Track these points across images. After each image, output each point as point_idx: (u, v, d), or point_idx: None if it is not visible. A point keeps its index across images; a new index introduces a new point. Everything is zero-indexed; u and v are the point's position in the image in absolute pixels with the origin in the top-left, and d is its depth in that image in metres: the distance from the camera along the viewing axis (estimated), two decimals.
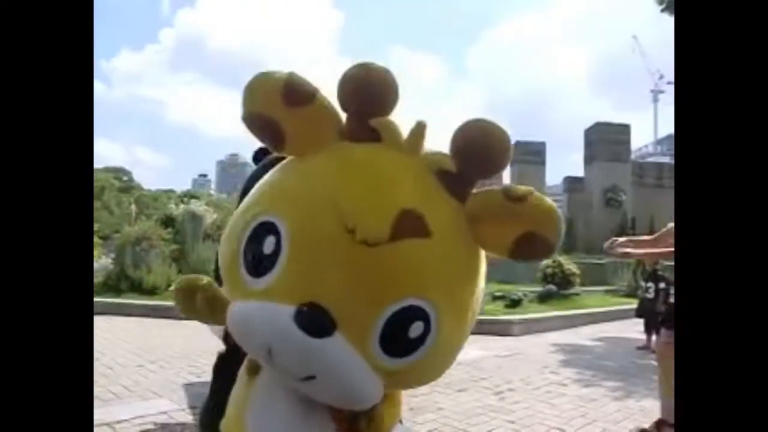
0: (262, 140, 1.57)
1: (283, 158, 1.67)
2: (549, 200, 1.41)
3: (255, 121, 1.52)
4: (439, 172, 1.50)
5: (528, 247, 1.42)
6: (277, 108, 1.46)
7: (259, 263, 1.43)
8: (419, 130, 1.53)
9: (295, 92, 1.46)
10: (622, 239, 4.16)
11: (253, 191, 1.62)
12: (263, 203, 1.52)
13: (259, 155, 3.45)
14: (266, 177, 1.62)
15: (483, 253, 1.58)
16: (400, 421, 1.93)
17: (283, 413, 1.68)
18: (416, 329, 1.41)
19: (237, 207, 1.70)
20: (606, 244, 4.11)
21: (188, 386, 4.80)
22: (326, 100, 1.49)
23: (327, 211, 1.42)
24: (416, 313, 1.41)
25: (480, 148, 1.44)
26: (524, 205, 1.41)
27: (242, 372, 1.76)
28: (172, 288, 1.68)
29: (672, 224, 3.73)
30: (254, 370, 1.73)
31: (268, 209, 1.47)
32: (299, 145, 1.55)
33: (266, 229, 1.44)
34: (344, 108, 1.51)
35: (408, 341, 1.43)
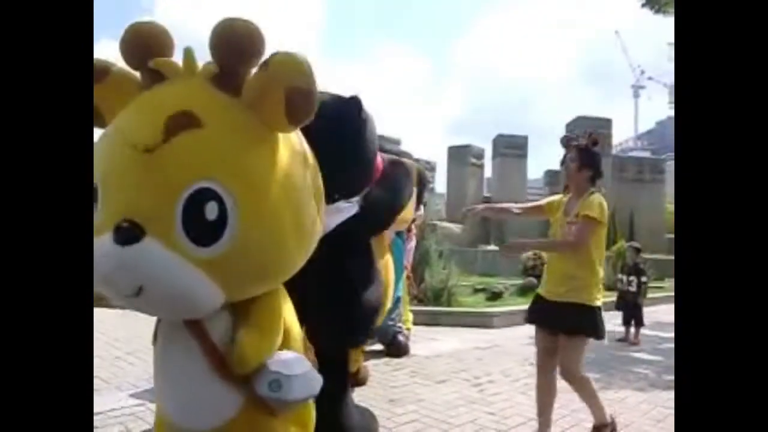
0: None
1: None
2: (292, 51, 1.57)
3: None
4: (211, 77, 1.69)
5: (292, 104, 1.58)
6: (98, 91, 1.69)
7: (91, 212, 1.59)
8: (188, 54, 1.74)
9: (95, 71, 1.69)
10: (480, 206, 4.20)
11: None
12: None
13: None
14: None
15: (276, 142, 1.71)
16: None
17: (172, 364, 1.89)
18: (212, 210, 1.55)
19: None
20: (463, 210, 4.16)
21: None
22: (121, 69, 1.75)
23: (116, 141, 1.64)
24: (206, 194, 1.55)
25: (226, 39, 1.61)
26: (270, 67, 1.59)
27: (153, 346, 2.00)
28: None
29: (550, 198, 3.83)
30: (154, 337, 1.99)
31: (93, 172, 1.60)
32: (113, 114, 1.74)
33: (93, 187, 1.59)
34: (132, 67, 1.76)
35: (209, 224, 1.56)
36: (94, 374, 4.84)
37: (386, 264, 4.52)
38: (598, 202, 3.44)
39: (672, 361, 6.39)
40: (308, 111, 1.63)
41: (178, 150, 1.57)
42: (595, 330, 3.40)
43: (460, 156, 27.90)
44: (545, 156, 18.47)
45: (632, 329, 7.69)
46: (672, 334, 8.43)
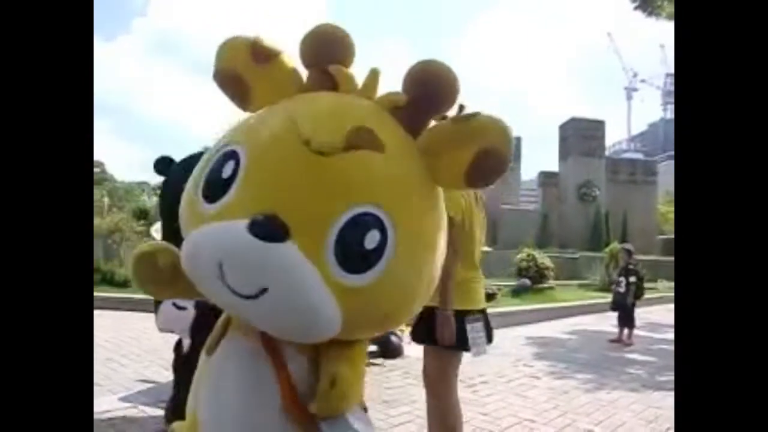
0: (230, 97, 1.66)
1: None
2: (496, 115, 1.46)
3: (225, 77, 1.61)
4: (393, 108, 1.56)
5: (483, 165, 1.45)
6: (245, 65, 1.57)
7: (216, 188, 1.43)
8: (373, 76, 1.62)
9: (261, 49, 1.56)
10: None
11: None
12: (228, 137, 1.55)
13: (160, 164, 3.35)
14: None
15: (438, 193, 1.59)
16: (365, 409, 1.86)
17: (233, 385, 1.64)
18: (372, 239, 1.39)
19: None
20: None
21: (158, 380, 4.74)
22: (290, 58, 1.60)
23: (285, 129, 1.46)
24: (371, 222, 1.40)
25: (428, 79, 1.51)
26: (472, 123, 1.45)
27: (202, 354, 1.74)
28: (132, 254, 1.62)
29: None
30: (211, 348, 1.71)
31: (230, 141, 1.49)
32: (264, 101, 1.60)
33: (227, 156, 1.45)
34: (305, 63, 1.61)
35: (364, 253, 1.40)
36: None
37: None
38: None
39: (664, 362, 6.42)
40: (498, 173, 1.52)
41: (354, 165, 1.43)
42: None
43: None
44: (539, 158, 18.51)
45: (625, 330, 7.71)
46: (664, 335, 8.48)
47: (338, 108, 1.55)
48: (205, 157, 1.57)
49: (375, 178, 1.45)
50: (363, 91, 1.61)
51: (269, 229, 1.34)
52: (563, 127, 27.78)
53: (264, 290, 1.36)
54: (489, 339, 2.88)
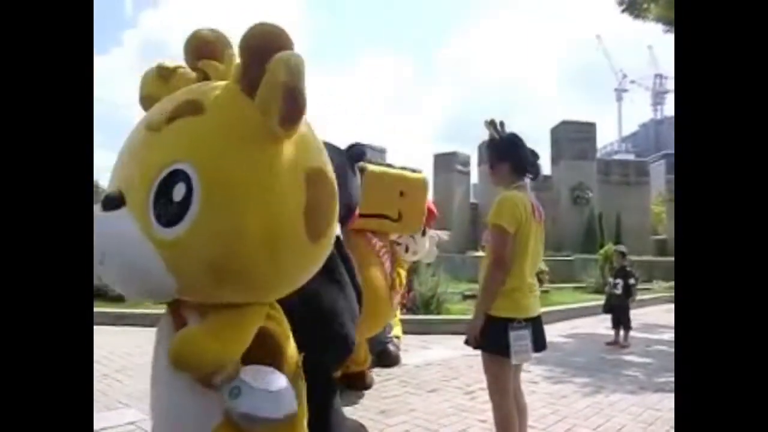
0: None
1: None
2: (290, 52, 1.62)
3: (145, 102, 1.93)
4: (238, 78, 1.75)
5: (284, 104, 1.62)
6: (157, 86, 1.90)
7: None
8: (228, 60, 1.90)
9: (164, 70, 1.90)
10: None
11: None
12: None
13: None
14: None
15: (271, 148, 1.71)
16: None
17: (160, 354, 1.88)
18: (179, 191, 1.60)
19: None
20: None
21: None
22: (185, 70, 1.93)
23: (139, 123, 1.84)
24: (178, 176, 1.61)
25: (246, 41, 1.67)
26: (271, 66, 1.62)
27: None
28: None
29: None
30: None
31: (93, 173, 1.73)
32: None
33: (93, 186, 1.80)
34: (190, 65, 1.94)
35: (173, 204, 1.60)
36: None
37: (375, 273, 4.52)
38: (497, 202, 2.91)
39: (661, 363, 6.43)
40: (293, 110, 1.64)
41: (172, 132, 1.69)
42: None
43: (446, 163, 28.03)
44: None
45: (621, 332, 7.71)
46: (660, 336, 8.49)
47: (182, 92, 1.82)
48: None
49: (188, 138, 1.68)
50: (222, 75, 1.87)
51: (109, 200, 1.64)
52: (554, 131, 27.86)
53: (104, 255, 1.62)
54: (539, 347, 2.97)
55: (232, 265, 1.69)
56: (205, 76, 1.91)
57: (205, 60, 1.91)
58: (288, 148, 1.73)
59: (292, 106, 1.62)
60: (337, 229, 2.08)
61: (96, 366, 5.81)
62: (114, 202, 1.64)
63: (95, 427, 3.90)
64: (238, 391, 1.71)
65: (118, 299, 10.29)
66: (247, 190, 1.65)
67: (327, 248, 1.97)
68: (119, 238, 1.61)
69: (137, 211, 1.62)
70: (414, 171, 4.83)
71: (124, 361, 5.99)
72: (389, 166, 4.85)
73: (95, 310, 9.39)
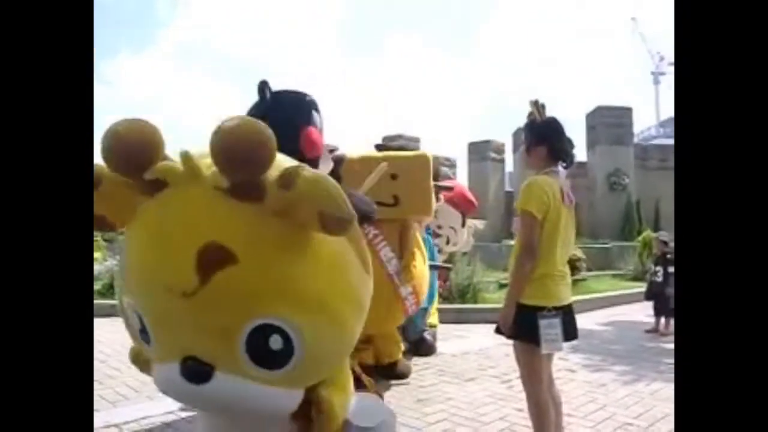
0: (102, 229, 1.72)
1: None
2: (319, 176, 1.43)
3: (97, 222, 1.58)
4: (228, 186, 1.46)
5: (329, 225, 1.45)
6: (97, 201, 1.51)
7: (142, 334, 1.63)
8: (186, 160, 1.48)
9: (97, 180, 1.51)
10: None
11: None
12: (122, 286, 1.73)
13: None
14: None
15: (313, 241, 1.56)
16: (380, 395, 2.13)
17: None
18: (276, 342, 1.50)
19: None
20: None
21: None
22: (114, 177, 1.50)
23: (150, 280, 1.53)
24: (266, 330, 1.50)
25: (230, 150, 1.37)
26: (299, 187, 1.41)
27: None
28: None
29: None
30: None
31: (126, 293, 1.65)
32: (118, 219, 1.63)
33: (132, 309, 1.62)
34: (127, 173, 1.50)
35: (276, 353, 1.52)
36: (124, 383, 4.89)
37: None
38: (524, 187, 2.87)
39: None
40: (342, 232, 1.52)
41: (219, 294, 1.45)
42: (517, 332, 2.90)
43: (480, 151, 27.80)
44: None
45: (662, 320, 7.58)
46: None
47: (175, 228, 1.49)
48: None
49: (246, 295, 1.48)
50: (189, 179, 1.49)
51: (196, 372, 1.51)
52: (590, 116, 27.41)
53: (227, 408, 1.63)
54: (570, 336, 2.91)
55: (348, 349, 1.80)
56: (149, 182, 1.54)
57: (161, 165, 1.49)
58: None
59: (341, 230, 1.49)
60: None
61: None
62: (203, 371, 1.52)
63: (137, 416, 3.99)
64: None
65: None
66: (336, 299, 1.62)
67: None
68: (237, 397, 1.56)
69: (234, 370, 1.53)
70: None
71: None
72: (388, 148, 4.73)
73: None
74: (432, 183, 4.69)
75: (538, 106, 3.01)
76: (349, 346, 1.77)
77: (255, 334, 1.49)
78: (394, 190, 4.44)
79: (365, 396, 1.93)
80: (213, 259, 1.43)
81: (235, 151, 1.37)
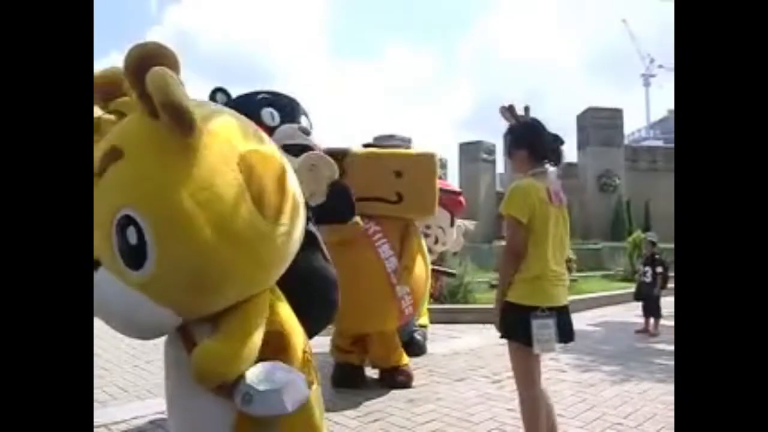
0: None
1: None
2: (158, 71, 1.62)
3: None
4: (138, 103, 1.76)
5: (165, 113, 1.63)
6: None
7: None
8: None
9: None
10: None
11: None
12: None
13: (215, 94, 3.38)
14: None
15: (194, 155, 1.72)
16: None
17: (170, 384, 2.08)
18: (131, 235, 1.64)
19: None
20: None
21: None
22: (107, 119, 1.98)
23: None
24: (126, 221, 1.65)
25: (125, 68, 1.71)
26: (148, 87, 1.63)
27: None
28: None
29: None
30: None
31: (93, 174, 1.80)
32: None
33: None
34: (108, 110, 2.01)
35: (133, 248, 1.65)
36: (113, 383, 4.87)
37: (367, 256, 4.43)
38: (508, 192, 2.90)
39: None
40: (181, 123, 1.66)
41: (105, 183, 1.72)
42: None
43: (472, 152, 27.88)
44: None
45: (651, 320, 7.62)
46: None
47: (103, 141, 1.82)
48: None
49: (120, 184, 1.71)
50: (135, 108, 1.83)
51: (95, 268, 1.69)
52: (580, 117, 27.52)
53: (107, 317, 1.75)
54: (565, 337, 2.91)
55: (209, 276, 1.78)
56: (123, 115, 1.94)
57: (116, 100, 1.98)
58: (208, 148, 1.75)
59: (177, 118, 1.64)
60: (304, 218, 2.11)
61: (126, 357, 5.91)
62: (93, 267, 1.69)
63: (126, 416, 3.97)
64: (249, 397, 1.78)
65: None
66: (187, 208, 1.68)
67: (294, 222, 1.98)
68: (108, 299, 1.69)
69: (109, 264, 1.69)
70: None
71: (154, 352, 6.05)
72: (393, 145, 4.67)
73: None
74: (437, 183, 4.62)
75: (511, 111, 3.04)
76: (215, 271, 1.77)
77: (118, 228, 1.66)
78: (397, 187, 4.40)
79: (280, 364, 1.90)
80: (109, 156, 1.73)
81: (127, 65, 1.70)
